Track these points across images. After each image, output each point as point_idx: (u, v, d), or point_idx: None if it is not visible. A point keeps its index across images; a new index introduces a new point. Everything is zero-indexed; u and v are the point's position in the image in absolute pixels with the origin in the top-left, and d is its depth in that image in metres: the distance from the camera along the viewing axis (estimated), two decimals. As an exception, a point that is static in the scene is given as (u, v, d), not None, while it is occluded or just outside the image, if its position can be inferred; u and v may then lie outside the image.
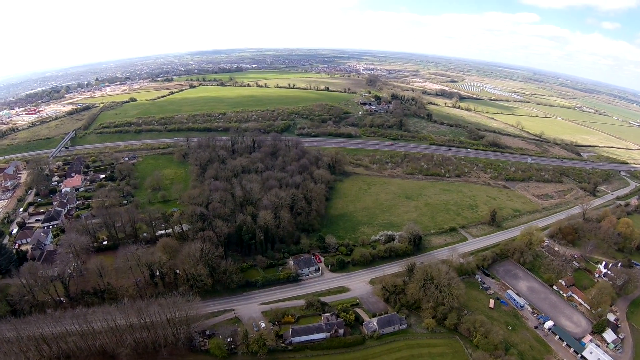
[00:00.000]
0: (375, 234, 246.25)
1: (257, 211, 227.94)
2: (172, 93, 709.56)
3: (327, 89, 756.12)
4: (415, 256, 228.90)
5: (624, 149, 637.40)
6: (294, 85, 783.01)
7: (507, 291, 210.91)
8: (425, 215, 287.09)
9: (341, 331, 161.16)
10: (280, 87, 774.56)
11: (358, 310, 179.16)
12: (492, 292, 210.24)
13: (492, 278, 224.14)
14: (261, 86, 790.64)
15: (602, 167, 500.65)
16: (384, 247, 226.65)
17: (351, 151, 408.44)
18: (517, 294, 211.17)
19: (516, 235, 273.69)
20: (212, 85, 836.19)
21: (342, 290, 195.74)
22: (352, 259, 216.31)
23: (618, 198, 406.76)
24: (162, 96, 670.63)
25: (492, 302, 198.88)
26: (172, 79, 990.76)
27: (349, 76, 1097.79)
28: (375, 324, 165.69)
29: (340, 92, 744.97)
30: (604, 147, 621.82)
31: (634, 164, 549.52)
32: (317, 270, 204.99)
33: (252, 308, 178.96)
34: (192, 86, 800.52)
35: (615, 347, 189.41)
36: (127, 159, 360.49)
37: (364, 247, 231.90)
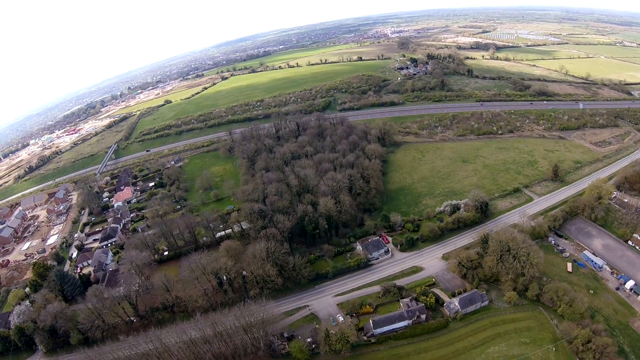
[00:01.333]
0: (439, 205, 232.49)
1: (316, 198, 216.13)
2: (205, 88, 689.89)
3: (360, 59, 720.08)
4: (483, 224, 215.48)
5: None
6: (325, 61, 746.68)
7: (583, 252, 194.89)
8: (485, 178, 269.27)
9: (423, 316, 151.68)
10: (312, 65, 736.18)
11: (436, 290, 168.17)
12: (567, 254, 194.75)
13: (565, 239, 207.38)
14: (293, 66, 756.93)
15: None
16: (450, 218, 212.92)
17: (397, 119, 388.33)
18: (593, 254, 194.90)
19: (583, 189, 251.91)
20: (243, 74, 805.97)
21: (415, 270, 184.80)
22: (421, 235, 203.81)
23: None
24: (196, 93, 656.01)
25: (569, 266, 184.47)
26: (202, 74, 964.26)
27: (378, 42, 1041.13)
28: (457, 304, 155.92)
29: (374, 59, 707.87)
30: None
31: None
32: (386, 252, 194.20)
33: (326, 301, 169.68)
34: (223, 78, 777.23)
35: None
36: (173, 162, 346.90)
37: (430, 220, 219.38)
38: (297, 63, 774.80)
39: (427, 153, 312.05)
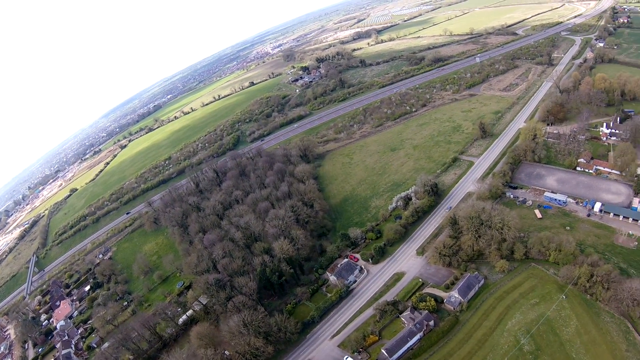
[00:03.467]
0: (389, 203, 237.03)
1: (268, 244, 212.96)
2: (108, 164, 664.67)
3: (252, 84, 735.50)
4: (441, 205, 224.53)
5: (549, 10, 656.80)
6: (219, 96, 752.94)
7: (544, 195, 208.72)
8: (420, 159, 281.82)
9: (431, 323, 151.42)
10: (207, 105, 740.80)
11: (429, 290, 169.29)
12: (530, 202, 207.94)
13: (521, 188, 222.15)
14: (188, 112, 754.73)
15: (543, 35, 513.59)
16: (407, 212, 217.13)
17: (312, 131, 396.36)
18: (552, 192, 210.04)
19: (515, 135, 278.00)
20: (141, 135, 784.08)
21: (398, 277, 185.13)
22: (387, 239, 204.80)
23: (574, 57, 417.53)
24: (100, 171, 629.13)
25: (537, 213, 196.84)
26: (99, 149, 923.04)
27: (263, 62, 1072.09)
28: (457, 295, 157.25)
29: (266, 79, 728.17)
30: (532, 17, 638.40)
31: (567, 20, 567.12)
32: (360, 271, 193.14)
33: (326, 348, 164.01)
34: (122, 147, 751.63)
35: None
36: (101, 255, 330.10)
37: (388, 221, 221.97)
38: (191, 108, 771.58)
39: (353, 154, 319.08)
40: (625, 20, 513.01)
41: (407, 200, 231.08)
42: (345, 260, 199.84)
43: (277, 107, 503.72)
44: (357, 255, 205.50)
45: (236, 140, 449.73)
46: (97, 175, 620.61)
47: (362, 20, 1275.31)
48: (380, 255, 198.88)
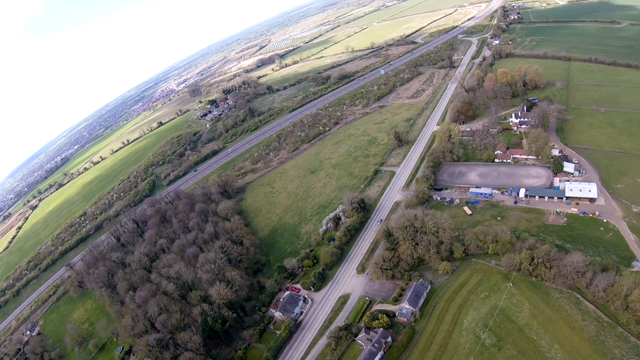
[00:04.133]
0: (319, 226, 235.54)
1: (204, 291, 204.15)
2: (20, 228, 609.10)
3: (161, 123, 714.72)
4: (371, 219, 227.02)
5: (444, 17, 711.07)
6: (128, 141, 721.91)
7: (469, 191, 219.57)
8: (342, 177, 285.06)
9: (389, 339, 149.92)
10: (116, 151, 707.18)
11: (378, 307, 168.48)
12: (457, 201, 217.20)
13: (446, 189, 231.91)
14: (98, 162, 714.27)
15: (441, 40, 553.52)
16: (339, 232, 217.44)
17: (229, 165, 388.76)
18: (477, 187, 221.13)
19: (430, 139, 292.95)
20: (52, 192, 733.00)
21: (344, 300, 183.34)
22: (324, 264, 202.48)
23: (473, 57, 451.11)
24: (13, 237, 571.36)
25: (467, 209, 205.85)
26: (9, 213, 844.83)
27: (169, 100, 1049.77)
28: (407, 306, 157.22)
29: (174, 118, 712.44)
30: (428, 25, 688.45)
31: (462, 24, 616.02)
32: (305, 301, 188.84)
33: None
34: (33, 207, 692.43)
35: (579, 172, 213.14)
36: (28, 332, 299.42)
37: (322, 245, 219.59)
38: (100, 157, 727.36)
39: (274, 183, 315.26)
40: (516, 17, 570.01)
41: (337, 220, 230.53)
42: (287, 293, 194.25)
43: (190, 145, 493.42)
44: (298, 286, 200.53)
45: (152, 186, 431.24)
46: (10, 242, 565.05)
47: (264, 46, 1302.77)
48: (321, 281, 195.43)
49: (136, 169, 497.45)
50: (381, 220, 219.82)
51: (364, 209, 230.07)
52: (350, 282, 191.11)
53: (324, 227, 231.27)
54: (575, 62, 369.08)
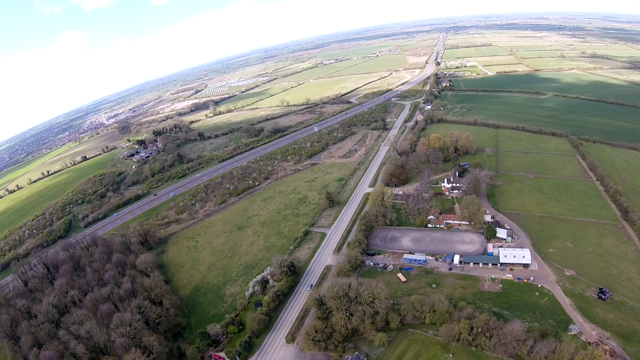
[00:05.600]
0: (245, 289, 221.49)
1: (117, 357, 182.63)
2: None
3: (85, 158, 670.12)
4: (301, 284, 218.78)
5: (379, 79, 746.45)
6: (48, 172, 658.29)
7: (403, 257, 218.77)
8: (270, 236, 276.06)
9: None
10: (34, 182, 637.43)
11: None
12: (391, 267, 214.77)
13: (379, 254, 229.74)
14: (13, 191, 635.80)
15: (375, 102, 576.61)
16: (268, 297, 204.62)
17: (152, 212, 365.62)
18: (410, 253, 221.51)
19: (362, 201, 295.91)
20: None
21: None
22: (251, 331, 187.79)
23: (406, 121, 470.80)
24: None
25: (401, 277, 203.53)
26: None
27: (97, 134, 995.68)
28: None
29: (100, 154, 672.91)
30: (364, 86, 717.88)
31: (396, 87, 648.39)
32: None
33: None
34: None
35: (512, 237, 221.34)
36: None
37: (249, 309, 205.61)
38: (17, 185, 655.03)
39: (199, 237, 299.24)
40: (448, 84, 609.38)
41: (265, 283, 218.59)
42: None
43: (112, 186, 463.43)
44: (222, 354, 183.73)
45: (68, 226, 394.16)
46: None
47: (200, 91, 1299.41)
48: (247, 350, 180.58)
49: (53, 205, 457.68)
50: (311, 285, 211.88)
51: (294, 273, 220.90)
52: (279, 352, 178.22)
53: (251, 290, 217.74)
54: (503, 129, 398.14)
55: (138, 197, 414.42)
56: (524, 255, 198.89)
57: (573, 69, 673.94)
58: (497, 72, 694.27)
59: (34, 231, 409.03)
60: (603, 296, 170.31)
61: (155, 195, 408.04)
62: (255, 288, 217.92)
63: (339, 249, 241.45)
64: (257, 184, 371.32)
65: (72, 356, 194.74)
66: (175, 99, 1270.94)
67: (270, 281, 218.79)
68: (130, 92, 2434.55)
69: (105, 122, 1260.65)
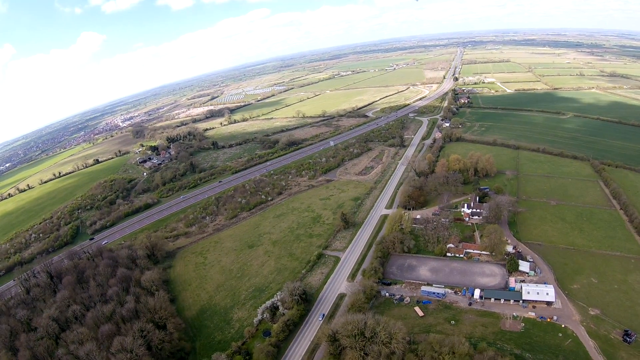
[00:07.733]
0: (254, 314, 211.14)
1: None
2: None
3: (97, 161, 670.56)
4: (312, 312, 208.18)
5: (396, 93, 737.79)
6: (60, 174, 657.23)
7: (421, 289, 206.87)
8: (282, 257, 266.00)
9: None
10: (45, 182, 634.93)
11: None
12: (408, 299, 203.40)
13: (395, 284, 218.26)
14: (24, 190, 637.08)
15: (392, 117, 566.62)
16: (277, 326, 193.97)
17: (160, 223, 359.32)
18: (428, 284, 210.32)
19: (378, 224, 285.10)
20: None
21: None
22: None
23: (423, 138, 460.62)
24: None
25: (419, 310, 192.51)
26: None
27: (112, 136, 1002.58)
28: None
29: (112, 158, 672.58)
30: (380, 100, 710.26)
31: (413, 102, 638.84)
32: None
33: None
34: None
35: (535, 271, 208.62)
36: None
37: (256, 338, 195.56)
38: (28, 185, 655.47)
39: (208, 253, 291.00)
40: (466, 101, 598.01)
41: (274, 310, 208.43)
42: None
43: (122, 193, 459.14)
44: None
45: (75, 232, 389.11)
46: None
47: (216, 97, 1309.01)
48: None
49: (61, 209, 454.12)
50: (323, 315, 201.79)
51: (305, 300, 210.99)
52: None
53: (259, 317, 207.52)
54: (523, 151, 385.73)
55: (148, 206, 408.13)
56: (547, 292, 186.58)
57: (592, 88, 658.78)
58: (515, 90, 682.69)
59: (41, 235, 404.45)
60: (628, 339, 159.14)
61: (163, 207, 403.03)
62: (265, 315, 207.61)
63: (353, 275, 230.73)
64: (269, 199, 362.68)
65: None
66: (191, 104, 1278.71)
67: (281, 308, 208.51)
68: (147, 94, 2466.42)
69: (121, 124, 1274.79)
